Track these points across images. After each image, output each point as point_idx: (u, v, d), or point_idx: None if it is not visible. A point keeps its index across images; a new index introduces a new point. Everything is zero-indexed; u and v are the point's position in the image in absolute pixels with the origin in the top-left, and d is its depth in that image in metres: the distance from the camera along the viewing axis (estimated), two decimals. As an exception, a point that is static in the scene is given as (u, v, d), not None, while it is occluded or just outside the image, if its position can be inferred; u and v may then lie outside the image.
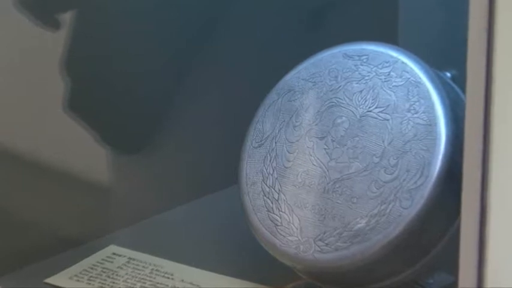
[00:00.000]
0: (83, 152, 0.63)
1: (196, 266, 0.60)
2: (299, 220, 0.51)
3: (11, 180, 0.59)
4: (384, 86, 0.51)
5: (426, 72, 0.51)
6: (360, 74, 0.52)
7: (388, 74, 0.52)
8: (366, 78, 0.52)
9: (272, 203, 0.53)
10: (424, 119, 0.49)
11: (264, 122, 0.55)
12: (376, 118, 0.51)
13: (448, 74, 0.54)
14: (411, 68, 0.51)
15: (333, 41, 0.55)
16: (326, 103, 0.53)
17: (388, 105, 0.51)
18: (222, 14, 0.69)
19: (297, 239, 0.51)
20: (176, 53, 0.67)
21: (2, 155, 0.59)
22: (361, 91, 0.52)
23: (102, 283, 0.59)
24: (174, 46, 0.67)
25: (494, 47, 0.36)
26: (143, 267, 0.60)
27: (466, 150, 0.38)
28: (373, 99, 0.51)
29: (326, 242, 0.50)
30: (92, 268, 0.60)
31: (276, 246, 0.52)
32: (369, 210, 0.49)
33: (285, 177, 0.53)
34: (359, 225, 0.49)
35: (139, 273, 0.60)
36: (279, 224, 0.52)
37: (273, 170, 0.53)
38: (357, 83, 0.52)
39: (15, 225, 0.60)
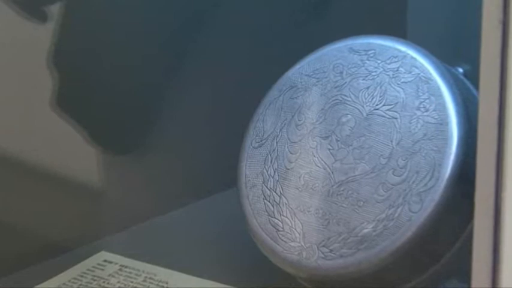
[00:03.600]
0: (72, 153, 0.63)
1: (192, 274, 0.60)
2: (302, 225, 0.51)
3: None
4: (392, 82, 0.51)
5: (437, 68, 0.51)
6: (366, 69, 0.53)
7: (397, 70, 0.52)
8: (373, 74, 0.52)
9: (273, 206, 0.53)
10: (435, 117, 0.49)
11: (265, 120, 0.55)
12: (383, 116, 0.51)
13: (460, 70, 0.54)
14: (421, 63, 0.51)
15: (337, 34, 0.55)
16: (330, 100, 0.53)
17: (396, 103, 0.51)
18: (219, 5, 0.69)
19: (300, 245, 0.51)
20: (172, 47, 0.67)
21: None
22: (367, 88, 0.52)
23: (93, 292, 0.59)
24: (169, 40, 0.67)
25: (510, 40, 0.36)
26: (136, 275, 0.60)
27: (479, 150, 0.38)
28: (380, 97, 0.51)
29: (330, 248, 0.50)
30: (81, 276, 0.60)
31: (277, 253, 0.52)
32: (376, 215, 0.49)
33: (286, 180, 0.53)
34: (365, 231, 0.49)
35: (132, 282, 0.60)
36: (280, 229, 0.52)
37: (274, 172, 0.53)
38: (363, 79, 0.52)
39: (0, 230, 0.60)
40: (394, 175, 0.49)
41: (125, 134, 0.67)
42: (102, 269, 0.61)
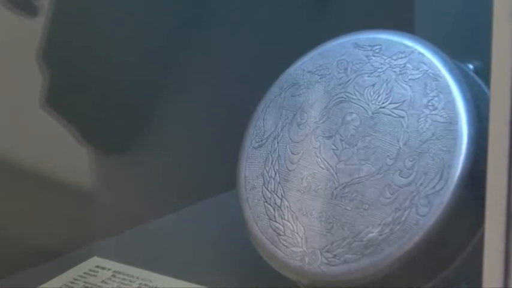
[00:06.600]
0: (63, 153, 0.63)
1: (190, 280, 0.60)
2: (304, 229, 0.51)
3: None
4: (398, 79, 0.51)
5: (446, 64, 0.51)
6: (372, 65, 0.53)
7: (404, 66, 0.52)
8: (379, 70, 0.52)
9: (274, 210, 0.53)
10: (444, 116, 0.49)
11: (265, 119, 0.55)
12: (390, 115, 0.51)
13: (470, 66, 0.54)
14: (429, 59, 0.51)
15: (342, 28, 0.55)
16: (334, 98, 0.53)
17: (403, 101, 0.51)
18: (219, 1, 0.69)
19: (302, 250, 0.51)
20: (167, 42, 0.67)
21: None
22: (373, 85, 0.52)
23: (84, 299, 0.59)
24: (165, 34, 0.67)
25: (522, 35, 0.36)
26: (130, 281, 0.60)
27: (490, 150, 0.38)
28: (386, 94, 0.51)
29: (334, 253, 0.50)
30: (73, 282, 0.60)
31: (279, 258, 0.52)
32: (382, 218, 0.49)
33: (288, 181, 0.53)
34: (371, 235, 0.49)
35: (125, 288, 0.60)
36: (281, 233, 0.52)
37: (275, 173, 0.53)
38: (368, 76, 0.52)
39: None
40: (401, 177, 0.49)
41: (119, 133, 0.67)
42: (95, 275, 0.61)
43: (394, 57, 0.52)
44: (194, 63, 0.68)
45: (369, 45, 0.53)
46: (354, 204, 0.50)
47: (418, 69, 0.51)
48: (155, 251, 0.64)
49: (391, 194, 0.49)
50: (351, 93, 0.53)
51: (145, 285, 0.60)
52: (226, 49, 0.69)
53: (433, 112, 0.50)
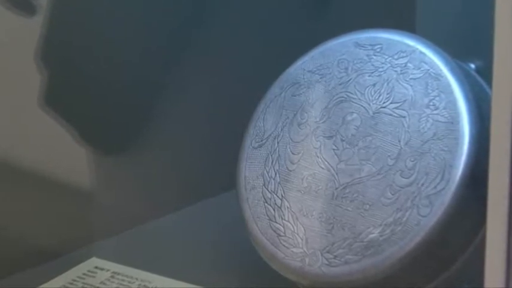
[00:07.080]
0: (63, 153, 0.63)
1: (190, 281, 0.60)
2: (304, 230, 0.51)
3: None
4: (399, 78, 0.51)
5: (447, 64, 0.51)
6: (372, 65, 0.52)
7: (405, 66, 0.52)
8: (380, 70, 0.52)
9: (274, 210, 0.52)
10: (445, 115, 0.49)
11: (265, 119, 0.55)
12: (391, 115, 0.51)
13: (472, 65, 0.54)
14: (430, 59, 0.51)
15: (342, 28, 0.55)
16: (335, 98, 0.53)
17: (404, 101, 0.51)
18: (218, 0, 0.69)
19: (302, 250, 0.51)
20: (167, 42, 0.67)
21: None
22: (374, 84, 0.52)
23: (83, 300, 0.59)
24: (165, 34, 0.67)
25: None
26: (129, 282, 0.60)
27: (492, 150, 0.37)
28: (387, 94, 0.51)
29: (335, 254, 0.50)
30: (71, 283, 0.60)
31: (279, 259, 0.52)
32: (383, 219, 0.49)
33: (288, 182, 0.53)
34: (372, 236, 0.49)
35: (125, 289, 0.60)
36: (282, 234, 0.52)
37: (275, 174, 0.53)
38: (369, 76, 0.52)
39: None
40: (402, 177, 0.49)
41: (118, 133, 0.67)
42: (93, 276, 0.61)
43: (395, 57, 0.52)
44: (194, 63, 0.68)
45: (370, 45, 0.53)
46: (354, 204, 0.50)
47: (419, 68, 0.51)
48: (155, 251, 0.64)
49: (392, 195, 0.49)
50: (351, 93, 0.52)
51: (144, 286, 0.60)
52: (226, 49, 0.69)
53: (435, 112, 0.50)
